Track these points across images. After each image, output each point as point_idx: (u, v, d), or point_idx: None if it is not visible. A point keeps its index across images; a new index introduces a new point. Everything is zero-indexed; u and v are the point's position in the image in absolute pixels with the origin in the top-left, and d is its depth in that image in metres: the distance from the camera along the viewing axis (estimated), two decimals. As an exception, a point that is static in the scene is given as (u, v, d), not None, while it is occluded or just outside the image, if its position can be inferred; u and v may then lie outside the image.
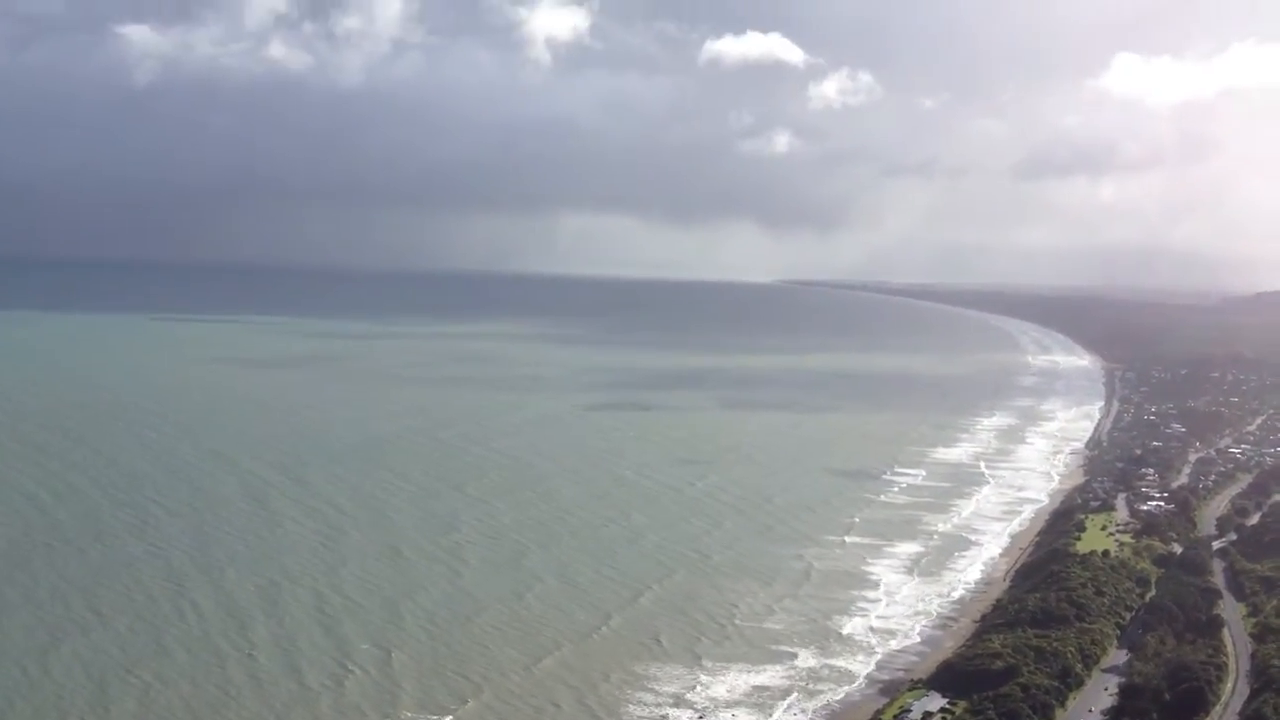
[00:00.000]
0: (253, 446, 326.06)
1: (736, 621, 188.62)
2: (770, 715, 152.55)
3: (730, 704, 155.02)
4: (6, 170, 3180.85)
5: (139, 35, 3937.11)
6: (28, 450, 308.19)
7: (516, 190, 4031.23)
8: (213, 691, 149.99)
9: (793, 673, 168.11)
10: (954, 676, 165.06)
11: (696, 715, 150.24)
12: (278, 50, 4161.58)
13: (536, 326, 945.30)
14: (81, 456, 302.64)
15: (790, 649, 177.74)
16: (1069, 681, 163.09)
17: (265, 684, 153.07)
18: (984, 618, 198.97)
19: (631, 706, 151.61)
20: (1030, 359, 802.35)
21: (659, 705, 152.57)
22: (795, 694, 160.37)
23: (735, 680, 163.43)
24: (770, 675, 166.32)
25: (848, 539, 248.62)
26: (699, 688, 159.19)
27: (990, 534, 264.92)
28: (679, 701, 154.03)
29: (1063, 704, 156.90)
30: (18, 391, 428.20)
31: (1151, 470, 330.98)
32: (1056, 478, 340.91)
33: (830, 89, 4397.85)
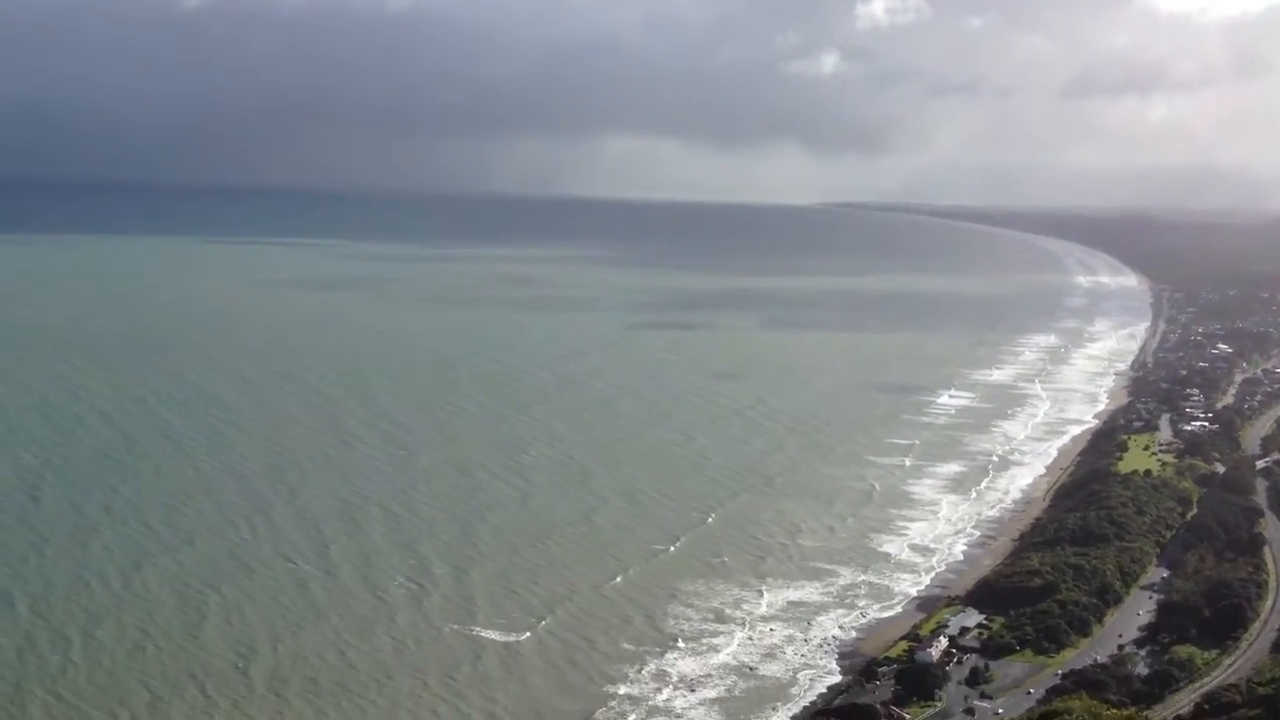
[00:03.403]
0: (318, 367, 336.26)
1: (792, 540, 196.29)
2: (809, 629, 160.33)
3: (770, 618, 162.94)
4: (57, 94, 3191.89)
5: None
6: (102, 371, 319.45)
7: (561, 113, 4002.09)
8: (295, 608, 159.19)
9: (833, 589, 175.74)
10: (991, 593, 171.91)
11: (738, 628, 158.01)
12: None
13: (583, 250, 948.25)
14: (153, 377, 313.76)
15: (831, 566, 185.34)
16: (1107, 598, 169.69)
17: (345, 601, 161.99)
18: (1023, 536, 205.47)
19: (696, 624, 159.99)
20: (1077, 280, 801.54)
21: (716, 621, 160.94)
22: (835, 609, 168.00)
23: (781, 596, 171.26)
24: (809, 591, 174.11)
25: (893, 460, 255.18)
26: (746, 604, 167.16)
27: (1032, 454, 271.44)
28: (730, 618, 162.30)
29: (1100, 620, 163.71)
30: (86, 314, 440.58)
31: (1197, 391, 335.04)
32: (1101, 398, 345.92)
33: (878, 8, 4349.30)
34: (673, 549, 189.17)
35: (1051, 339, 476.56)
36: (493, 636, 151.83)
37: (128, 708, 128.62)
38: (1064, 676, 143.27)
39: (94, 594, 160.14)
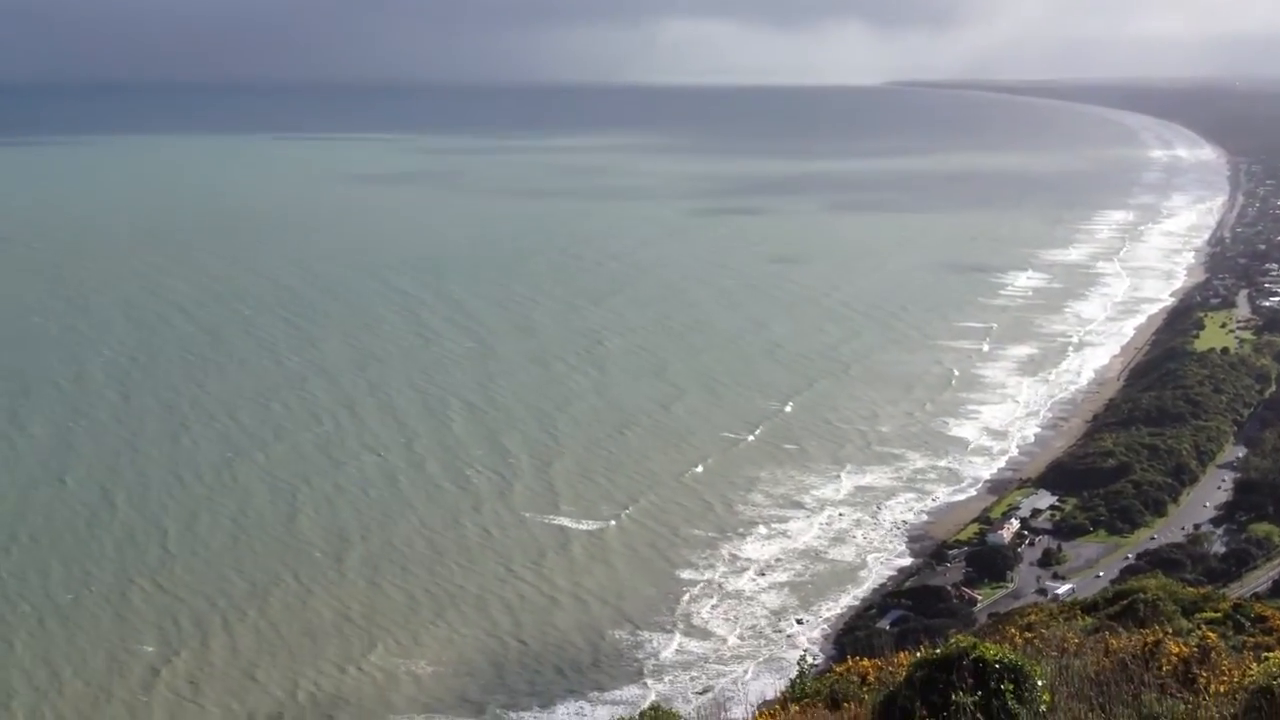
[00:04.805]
0: (392, 262, 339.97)
1: (871, 427, 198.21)
2: (879, 514, 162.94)
3: (841, 503, 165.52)
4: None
5: None
6: (180, 269, 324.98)
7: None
8: (383, 499, 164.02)
9: (903, 474, 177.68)
10: (1064, 475, 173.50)
11: (810, 514, 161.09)
12: None
13: (644, 138, 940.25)
14: (230, 274, 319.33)
15: (903, 451, 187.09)
16: (1183, 478, 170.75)
17: (431, 492, 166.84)
18: (1096, 418, 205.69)
19: (770, 510, 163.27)
20: (1152, 154, 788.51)
21: (789, 507, 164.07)
22: (906, 494, 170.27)
23: (853, 481, 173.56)
24: (880, 476, 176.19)
25: (969, 344, 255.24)
26: (820, 490, 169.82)
27: (1107, 334, 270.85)
28: (802, 504, 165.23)
29: (1175, 499, 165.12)
30: (157, 213, 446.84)
31: (1275, 265, 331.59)
32: (1177, 275, 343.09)
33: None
34: (750, 438, 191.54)
35: (1127, 216, 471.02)
36: (576, 525, 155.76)
37: (227, 596, 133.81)
38: (1138, 557, 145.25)
39: (189, 488, 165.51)
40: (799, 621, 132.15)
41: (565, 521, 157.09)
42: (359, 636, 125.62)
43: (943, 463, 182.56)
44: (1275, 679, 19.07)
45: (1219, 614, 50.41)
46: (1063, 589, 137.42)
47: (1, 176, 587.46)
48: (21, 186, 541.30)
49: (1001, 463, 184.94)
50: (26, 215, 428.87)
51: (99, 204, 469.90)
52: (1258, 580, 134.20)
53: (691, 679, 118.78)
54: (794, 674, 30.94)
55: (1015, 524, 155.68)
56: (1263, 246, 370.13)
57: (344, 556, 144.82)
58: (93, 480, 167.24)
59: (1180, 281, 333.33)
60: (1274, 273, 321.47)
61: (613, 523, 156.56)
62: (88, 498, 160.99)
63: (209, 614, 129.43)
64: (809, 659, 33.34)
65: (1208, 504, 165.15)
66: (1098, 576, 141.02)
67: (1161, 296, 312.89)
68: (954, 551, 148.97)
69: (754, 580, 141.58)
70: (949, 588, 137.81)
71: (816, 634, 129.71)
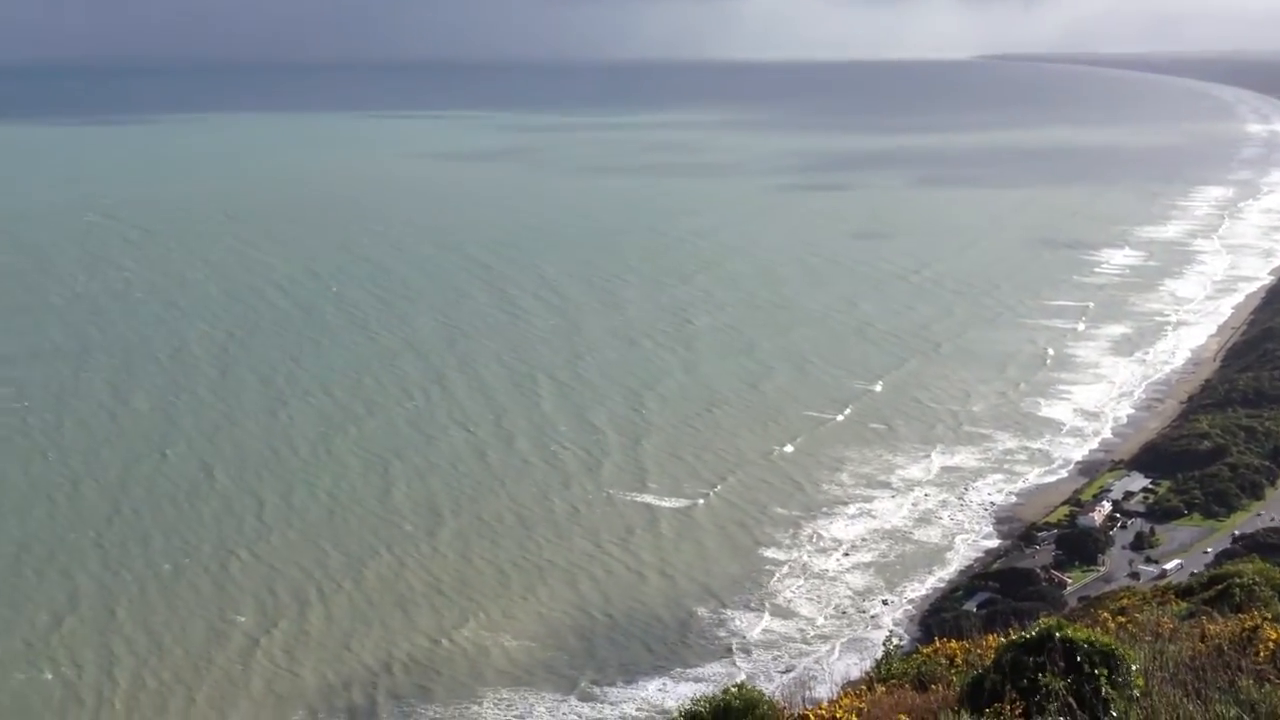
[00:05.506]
0: (479, 239, 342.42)
1: (963, 407, 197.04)
2: (966, 494, 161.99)
3: (928, 484, 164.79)
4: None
5: None
6: (271, 245, 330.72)
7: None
8: (474, 474, 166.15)
9: (992, 454, 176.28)
10: (1157, 457, 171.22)
11: (897, 494, 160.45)
12: None
13: (727, 114, 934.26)
14: (321, 250, 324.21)
15: (991, 431, 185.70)
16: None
17: (521, 468, 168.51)
18: (1191, 399, 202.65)
19: (857, 490, 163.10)
20: (1250, 129, 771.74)
21: (876, 487, 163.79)
22: (994, 475, 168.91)
23: (941, 462, 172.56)
24: (968, 456, 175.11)
25: (1063, 323, 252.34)
26: (908, 471, 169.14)
27: (1203, 313, 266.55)
28: (889, 484, 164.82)
29: (1273, 483, 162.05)
30: (246, 190, 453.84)
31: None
32: (1277, 253, 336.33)
33: None
34: (839, 417, 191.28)
35: (1225, 192, 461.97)
36: (664, 502, 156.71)
37: (323, 567, 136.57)
38: (1234, 540, 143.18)
39: (285, 462, 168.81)
40: (884, 602, 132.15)
41: (653, 499, 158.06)
42: (450, 609, 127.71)
43: (1034, 444, 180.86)
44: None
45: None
46: (1171, 564, 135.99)
47: (102, 156, 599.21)
48: (119, 165, 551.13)
49: (1094, 444, 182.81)
50: (125, 193, 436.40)
51: (193, 182, 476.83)
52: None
53: (774, 658, 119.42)
54: (880, 655, 31.12)
55: (1107, 506, 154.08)
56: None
57: (435, 530, 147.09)
58: (192, 453, 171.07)
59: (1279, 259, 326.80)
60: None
61: (700, 501, 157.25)
62: (187, 470, 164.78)
63: (305, 585, 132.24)
64: (895, 640, 33.70)
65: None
66: (1205, 552, 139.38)
67: (1260, 275, 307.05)
68: (1043, 534, 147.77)
69: (839, 560, 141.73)
70: (1038, 570, 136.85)
71: (901, 615, 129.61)
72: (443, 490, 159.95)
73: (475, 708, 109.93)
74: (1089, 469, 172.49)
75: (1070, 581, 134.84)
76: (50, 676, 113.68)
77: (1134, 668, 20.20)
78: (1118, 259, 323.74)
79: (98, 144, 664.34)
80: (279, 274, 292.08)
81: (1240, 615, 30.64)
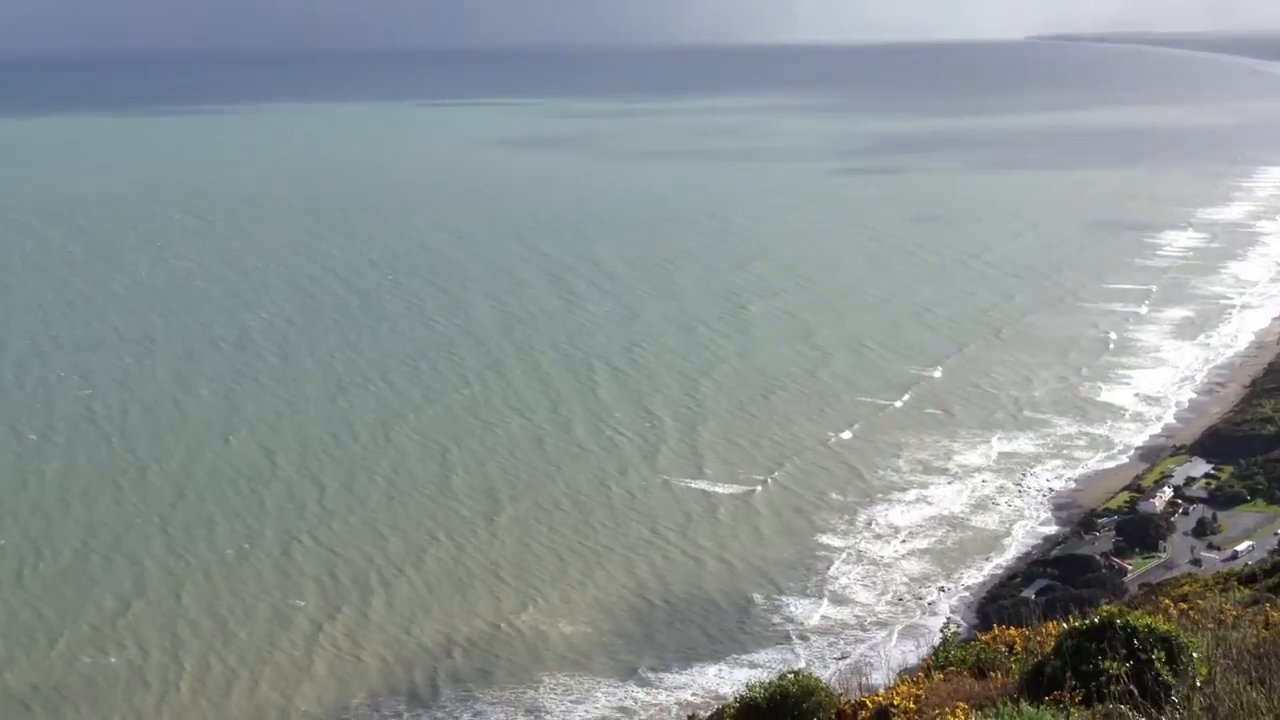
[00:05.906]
0: (536, 225, 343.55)
1: (1024, 392, 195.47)
2: (1024, 480, 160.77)
3: (986, 470, 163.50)
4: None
5: None
6: (330, 233, 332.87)
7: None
8: (532, 461, 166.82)
9: (1050, 440, 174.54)
10: (1220, 442, 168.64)
11: (954, 480, 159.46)
12: None
13: (785, 98, 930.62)
14: (379, 237, 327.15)
15: (1050, 416, 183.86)
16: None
17: (579, 455, 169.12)
18: (1255, 383, 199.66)
19: (914, 476, 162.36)
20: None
21: (934, 474, 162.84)
22: (1052, 460, 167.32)
23: (999, 448, 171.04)
24: (1025, 442, 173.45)
25: (1125, 307, 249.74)
26: (965, 456, 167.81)
27: (1265, 296, 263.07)
28: (948, 470, 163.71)
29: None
30: (305, 178, 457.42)
31: None
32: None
33: None
34: (897, 403, 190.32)
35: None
36: (720, 489, 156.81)
37: (384, 552, 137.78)
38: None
39: (346, 448, 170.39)
40: (941, 589, 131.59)
41: (709, 485, 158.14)
42: (509, 594, 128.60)
43: (1094, 429, 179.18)
44: None
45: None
46: (1242, 546, 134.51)
47: (171, 146, 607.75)
48: (185, 155, 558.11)
49: (1155, 429, 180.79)
50: (186, 184, 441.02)
51: (255, 171, 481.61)
52: None
53: (830, 644, 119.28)
54: (937, 642, 31.09)
55: (1168, 492, 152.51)
56: None
57: (494, 516, 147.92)
58: (254, 440, 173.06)
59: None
60: None
61: (757, 488, 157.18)
62: (250, 456, 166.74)
63: (366, 570, 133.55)
64: (952, 627, 33.71)
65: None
66: (1272, 537, 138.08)
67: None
68: (1103, 520, 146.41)
69: (896, 547, 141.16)
70: (1098, 557, 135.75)
71: (958, 602, 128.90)
72: (500, 476, 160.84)
73: (533, 692, 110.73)
74: (1150, 454, 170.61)
75: (1131, 568, 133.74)
76: (116, 660, 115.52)
77: (1196, 655, 20.24)
78: (1180, 241, 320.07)
79: (166, 134, 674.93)
80: (337, 262, 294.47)
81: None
